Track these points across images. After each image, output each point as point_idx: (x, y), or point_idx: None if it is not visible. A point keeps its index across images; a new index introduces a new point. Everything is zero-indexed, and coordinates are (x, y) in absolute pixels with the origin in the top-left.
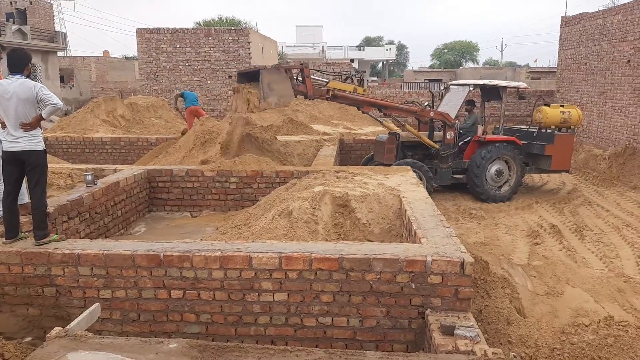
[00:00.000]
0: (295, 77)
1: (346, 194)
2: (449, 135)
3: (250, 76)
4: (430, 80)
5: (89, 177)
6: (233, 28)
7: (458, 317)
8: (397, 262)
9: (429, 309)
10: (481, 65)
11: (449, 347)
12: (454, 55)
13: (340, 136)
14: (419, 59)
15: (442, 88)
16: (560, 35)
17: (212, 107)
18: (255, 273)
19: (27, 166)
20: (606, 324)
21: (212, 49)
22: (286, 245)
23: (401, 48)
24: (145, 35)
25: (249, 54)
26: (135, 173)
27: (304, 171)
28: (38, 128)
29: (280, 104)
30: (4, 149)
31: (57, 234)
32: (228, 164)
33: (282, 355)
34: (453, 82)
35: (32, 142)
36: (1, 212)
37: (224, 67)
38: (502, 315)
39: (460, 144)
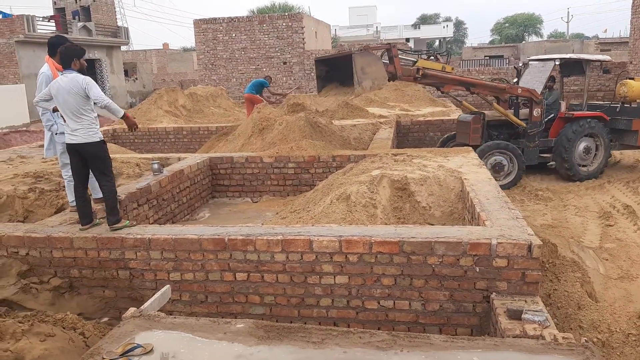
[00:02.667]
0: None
1: (405, 177)
2: (536, 112)
3: (328, 62)
4: (490, 57)
5: (156, 166)
6: (286, 14)
7: (525, 301)
8: (460, 245)
9: (494, 293)
10: (545, 39)
11: (516, 331)
12: (515, 29)
13: (397, 118)
14: (479, 35)
15: (520, 64)
16: (633, 2)
17: (266, 95)
18: (316, 256)
19: (87, 157)
20: None
21: (266, 35)
22: (346, 229)
23: (459, 25)
24: (202, 26)
25: (303, 39)
26: (198, 161)
27: (361, 155)
28: (94, 120)
29: (375, 87)
30: (65, 142)
31: (128, 220)
32: (286, 150)
33: (346, 337)
34: (532, 57)
35: (88, 134)
36: (74, 201)
37: (278, 54)
38: (572, 299)
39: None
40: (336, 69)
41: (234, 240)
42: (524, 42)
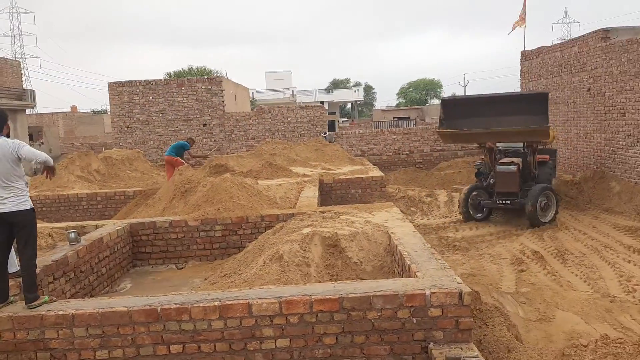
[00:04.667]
0: None
1: (335, 233)
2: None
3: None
4: (399, 118)
5: (72, 235)
6: (205, 77)
7: (461, 348)
8: (397, 297)
9: (431, 343)
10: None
11: None
12: (419, 93)
13: (320, 177)
14: (386, 98)
15: None
16: (521, 69)
17: (186, 157)
18: (256, 320)
19: (14, 227)
20: (603, 343)
21: (185, 98)
22: (285, 290)
23: (368, 89)
24: (117, 89)
25: (223, 101)
26: (118, 228)
27: (289, 214)
28: (24, 186)
29: None
30: None
31: (47, 296)
32: (212, 212)
33: None
34: None
35: (18, 201)
36: None
37: (198, 116)
38: (501, 343)
39: None
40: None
41: (167, 310)
42: (427, 104)
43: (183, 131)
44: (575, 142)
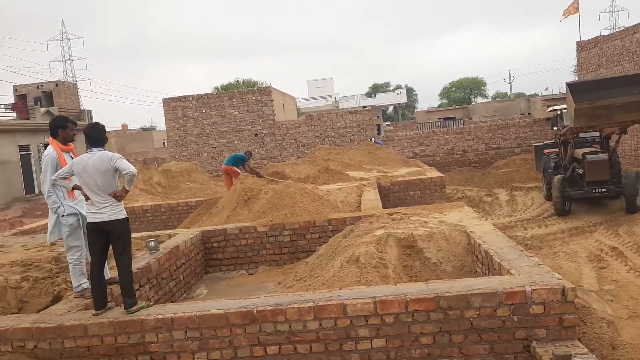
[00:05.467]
0: None
1: (411, 234)
2: None
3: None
4: (445, 119)
5: (152, 244)
6: (255, 88)
7: (567, 345)
8: (496, 295)
9: (534, 341)
10: (490, 99)
11: None
12: (462, 93)
13: (377, 180)
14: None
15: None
16: (578, 60)
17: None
18: (351, 320)
19: (111, 236)
20: None
21: (236, 110)
22: (376, 290)
23: (409, 91)
24: (172, 104)
25: (273, 111)
26: (192, 236)
27: (356, 217)
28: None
29: None
30: (88, 220)
31: (144, 301)
32: (280, 217)
33: None
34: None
35: (115, 211)
36: (79, 286)
37: (249, 127)
38: (604, 340)
39: None
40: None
41: (263, 311)
42: (473, 103)
43: (235, 142)
44: (638, 132)
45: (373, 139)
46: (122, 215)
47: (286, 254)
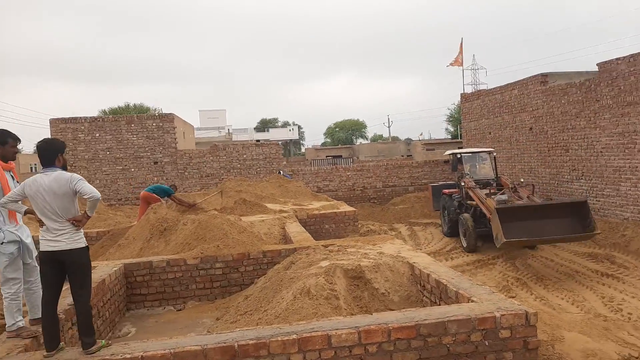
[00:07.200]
0: None
1: (359, 265)
2: None
3: None
4: (333, 157)
5: None
6: (157, 114)
7: None
8: (470, 321)
9: None
10: (370, 141)
11: None
12: (345, 133)
13: (294, 213)
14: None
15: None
16: (462, 110)
17: (136, 196)
18: (335, 352)
19: (69, 267)
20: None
21: (134, 135)
22: (357, 319)
23: (298, 128)
24: (60, 126)
25: (175, 139)
26: (115, 269)
27: (292, 249)
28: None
29: None
30: (41, 249)
31: (103, 339)
32: (211, 249)
33: None
34: (463, 150)
35: (73, 239)
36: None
37: (148, 154)
38: None
39: None
40: None
41: (244, 345)
42: (358, 143)
43: (132, 169)
44: (520, 178)
45: (281, 172)
46: (82, 243)
47: (217, 288)
